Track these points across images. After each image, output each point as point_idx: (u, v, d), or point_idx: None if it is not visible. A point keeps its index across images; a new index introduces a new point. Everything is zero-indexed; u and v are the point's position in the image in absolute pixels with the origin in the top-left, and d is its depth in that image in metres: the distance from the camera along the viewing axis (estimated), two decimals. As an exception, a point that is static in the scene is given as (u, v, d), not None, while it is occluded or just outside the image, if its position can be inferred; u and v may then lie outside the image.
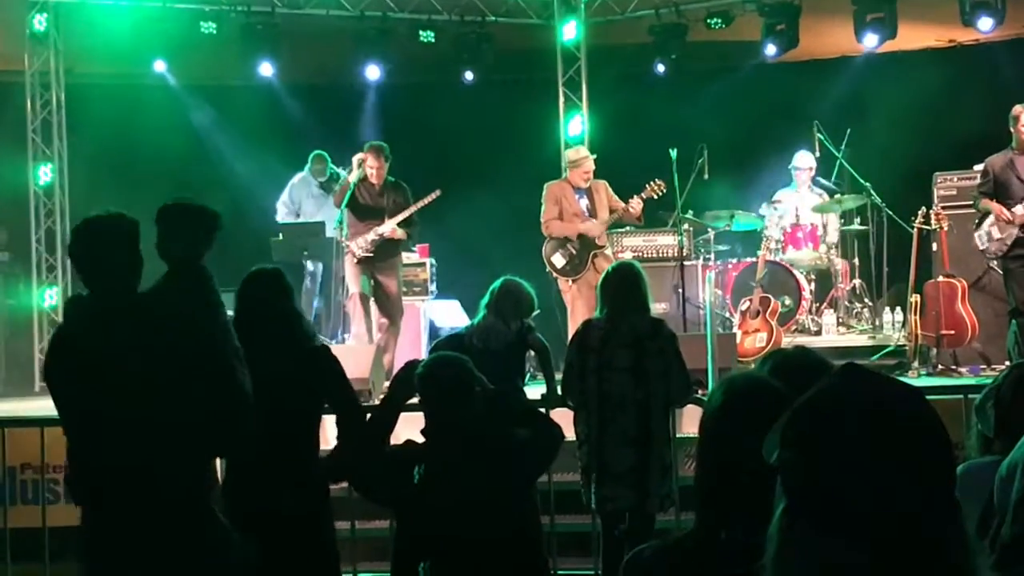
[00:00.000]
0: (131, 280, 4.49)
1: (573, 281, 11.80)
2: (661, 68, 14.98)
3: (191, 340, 4.40)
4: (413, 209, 11.51)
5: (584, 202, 11.92)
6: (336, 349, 10.96)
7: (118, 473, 4.33)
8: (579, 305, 11.47)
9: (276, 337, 5.69)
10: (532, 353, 8.82)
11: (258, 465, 5.42)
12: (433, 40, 14.77)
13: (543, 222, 11.90)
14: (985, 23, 13.31)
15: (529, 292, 8.21)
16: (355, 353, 10.77)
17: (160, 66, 14.35)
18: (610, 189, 12.04)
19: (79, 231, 4.57)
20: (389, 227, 11.46)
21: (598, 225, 11.82)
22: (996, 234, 11.09)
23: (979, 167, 12.34)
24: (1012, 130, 11.02)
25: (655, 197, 12.03)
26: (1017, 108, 11.04)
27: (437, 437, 5.10)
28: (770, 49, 14.37)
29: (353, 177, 11.50)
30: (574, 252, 11.86)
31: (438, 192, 11.56)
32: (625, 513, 7.09)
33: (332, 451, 5.88)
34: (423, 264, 13.19)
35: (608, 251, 12.22)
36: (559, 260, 11.94)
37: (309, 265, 13.56)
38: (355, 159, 11.59)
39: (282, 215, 14.14)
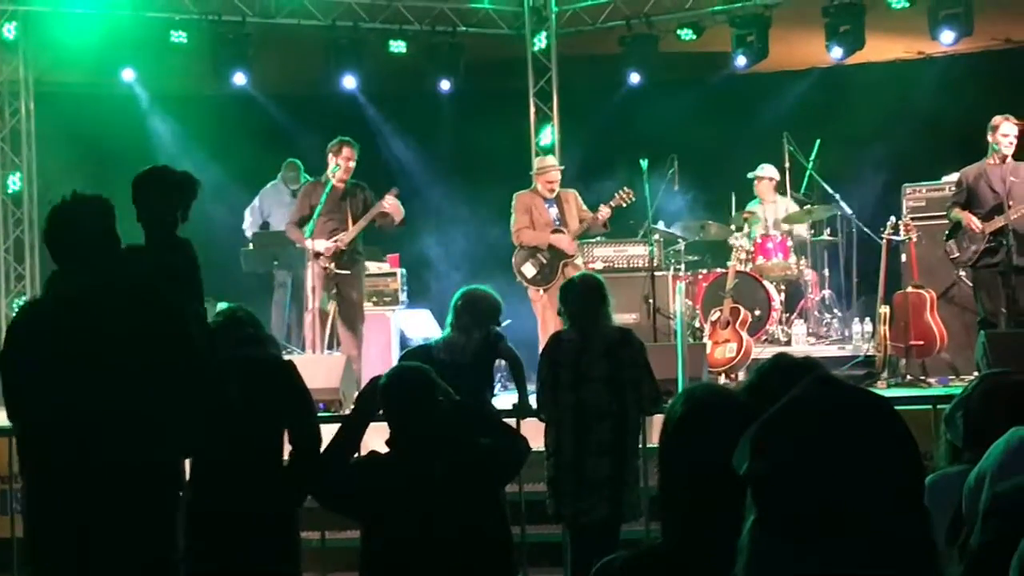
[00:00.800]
0: (107, 262, 4.46)
1: (544, 290, 11.81)
2: (636, 78, 14.99)
3: (166, 326, 4.37)
4: (379, 208, 11.37)
5: (554, 211, 11.95)
6: (307, 359, 11.02)
7: (74, 461, 4.27)
8: (549, 315, 11.46)
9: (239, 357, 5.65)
10: (503, 363, 8.75)
11: (223, 470, 5.40)
12: (404, 50, 14.76)
13: (514, 231, 11.93)
14: (947, 36, 13.38)
15: (492, 298, 8.04)
16: (326, 364, 10.74)
17: (128, 75, 14.28)
18: (579, 199, 12.10)
19: (53, 214, 4.54)
20: (350, 235, 11.36)
21: (567, 238, 11.87)
22: (966, 243, 11.17)
23: (948, 178, 12.44)
24: (989, 139, 11.09)
25: (623, 205, 12.05)
26: (997, 118, 11.12)
27: (401, 447, 5.10)
28: (740, 60, 14.40)
29: (331, 176, 11.40)
30: (544, 262, 11.89)
31: (395, 191, 11.45)
32: (600, 523, 7.11)
33: (289, 466, 5.84)
34: (394, 274, 13.15)
35: (579, 261, 12.26)
36: (529, 270, 11.96)
37: (279, 275, 13.52)
38: (332, 157, 11.48)
39: (247, 223, 14.09)
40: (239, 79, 14.28)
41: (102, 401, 4.25)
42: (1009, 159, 11.11)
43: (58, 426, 4.32)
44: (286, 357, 11.57)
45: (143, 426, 4.28)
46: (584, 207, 12.05)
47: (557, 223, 11.92)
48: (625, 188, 12.03)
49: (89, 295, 4.39)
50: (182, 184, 4.92)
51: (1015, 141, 11.06)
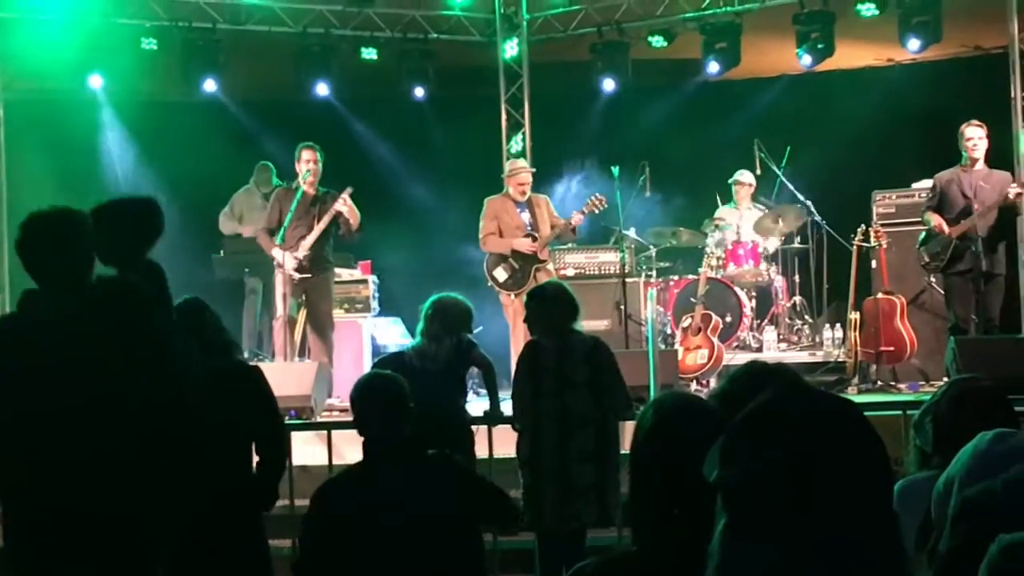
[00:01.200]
0: (81, 275, 4.39)
1: (515, 295, 11.80)
2: (607, 85, 15.01)
3: (145, 342, 4.32)
4: (334, 212, 11.34)
5: (526, 216, 11.97)
6: (278, 366, 10.99)
7: (57, 486, 4.22)
8: (520, 320, 11.49)
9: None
10: (476, 369, 8.72)
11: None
12: (375, 57, 14.76)
13: (480, 238, 11.98)
14: (913, 44, 13.45)
15: (463, 304, 7.99)
16: (297, 371, 10.72)
17: (96, 81, 14.21)
18: (551, 205, 12.12)
19: (26, 226, 4.44)
20: (310, 241, 11.35)
21: (527, 241, 11.89)
22: (936, 248, 11.23)
23: (918, 185, 12.53)
24: (960, 147, 11.18)
25: (596, 212, 12.07)
26: (962, 126, 11.19)
27: (373, 456, 5.10)
28: (712, 67, 14.44)
29: (301, 183, 11.40)
30: (516, 267, 11.90)
31: (349, 190, 11.41)
32: (586, 528, 7.14)
33: (256, 475, 5.83)
34: (365, 281, 13.13)
35: (551, 266, 12.27)
36: (501, 274, 11.97)
37: (250, 282, 13.48)
38: (296, 163, 11.49)
39: (221, 223, 14.05)
40: (209, 85, 14.25)
41: (80, 435, 4.18)
42: (981, 163, 11.19)
43: (35, 462, 4.24)
44: (255, 364, 11.61)
45: (122, 465, 4.21)
46: (555, 213, 12.08)
47: (529, 227, 11.93)
48: (598, 195, 12.06)
49: (74, 319, 4.32)
50: (139, 218, 4.80)
51: (978, 144, 11.13)
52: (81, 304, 4.34)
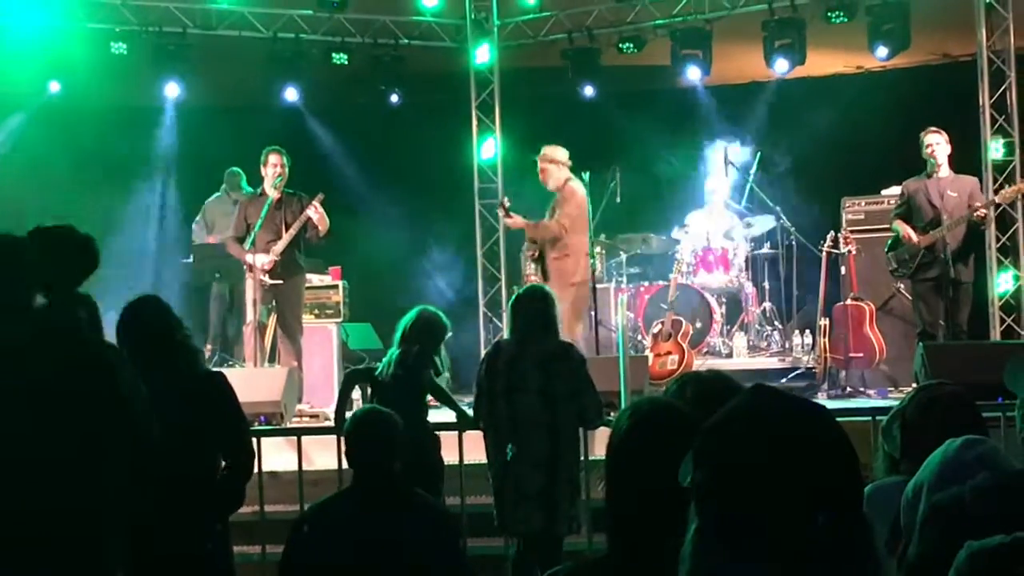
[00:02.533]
0: (26, 301, 4.31)
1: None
2: (578, 91, 15.03)
3: (90, 374, 4.26)
4: (305, 218, 11.33)
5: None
6: (248, 372, 10.97)
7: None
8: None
9: (162, 367, 5.59)
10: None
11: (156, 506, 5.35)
12: (346, 62, 14.74)
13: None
14: (882, 51, 13.52)
15: (442, 321, 8.05)
16: (267, 376, 10.69)
17: (54, 87, 14.11)
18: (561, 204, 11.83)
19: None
20: (282, 245, 11.33)
21: (513, 219, 11.96)
22: (905, 256, 11.28)
23: (887, 191, 12.59)
24: (923, 148, 11.23)
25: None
26: (923, 134, 11.25)
27: (360, 490, 5.15)
28: (685, 73, 14.47)
29: (269, 189, 11.39)
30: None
31: (321, 196, 11.40)
32: (535, 534, 7.12)
33: (221, 479, 5.82)
34: (336, 286, 13.09)
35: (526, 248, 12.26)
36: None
37: (216, 288, 13.41)
38: (263, 168, 11.48)
39: (194, 233, 14.01)
40: (171, 90, 14.19)
41: (37, 452, 4.15)
42: (947, 169, 11.23)
43: None
44: (226, 369, 11.59)
45: (70, 474, 4.17)
46: (559, 213, 11.83)
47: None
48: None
49: (32, 345, 4.27)
50: (83, 249, 4.74)
51: (938, 149, 11.17)
52: (28, 328, 4.27)
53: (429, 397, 8.17)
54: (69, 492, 4.18)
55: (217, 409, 5.70)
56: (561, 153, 11.82)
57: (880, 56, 13.68)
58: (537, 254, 11.77)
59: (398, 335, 7.97)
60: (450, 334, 8.35)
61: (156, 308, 5.83)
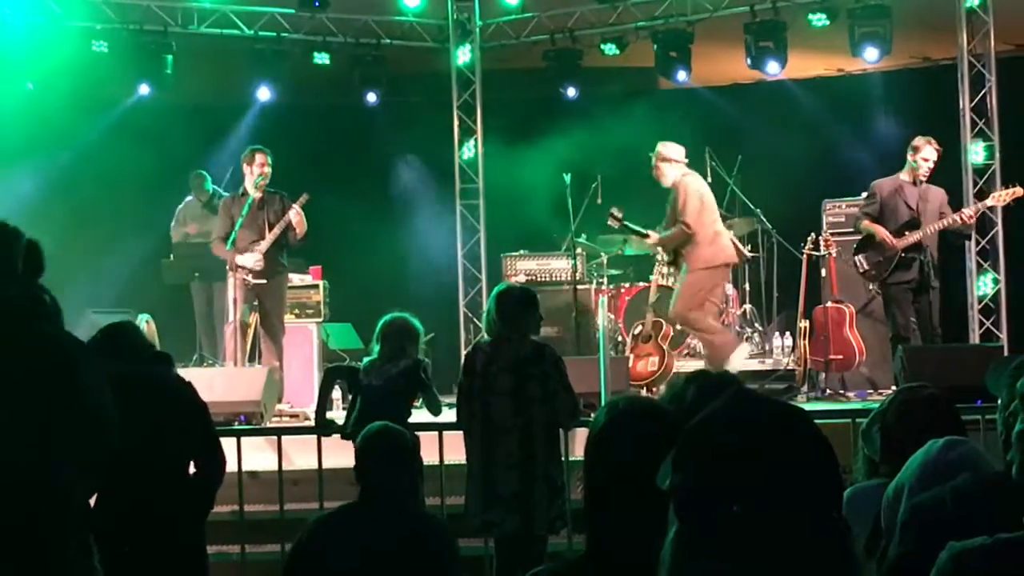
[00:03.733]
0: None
1: None
2: (560, 92, 15.05)
3: (52, 364, 4.25)
4: (287, 220, 11.32)
5: None
6: (228, 371, 10.95)
7: None
8: None
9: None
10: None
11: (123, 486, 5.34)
12: (328, 62, 14.72)
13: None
14: (871, 53, 13.54)
15: (412, 324, 7.98)
16: (247, 376, 10.66)
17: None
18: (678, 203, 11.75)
19: None
20: (266, 245, 11.32)
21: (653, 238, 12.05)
22: (876, 258, 11.27)
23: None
24: (909, 158, 11.19)
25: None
26: (919, 140, 11.21)
27: (367, 505, 5.14)
28: (667, 75, 14.48)
29: (251, 189, 11.38)
30: None
31: (306, 196, 11.40)
32: (511, 536, 7.11)
33: (191, 480, 5.83)
34: (316, 286, 13.08)
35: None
36: None
37: (197, 287, 13.38)
38: (247, 167, 11.46)
39: (173, 231, 13.98)
40: (143, 89, 14.15)
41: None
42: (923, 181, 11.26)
43: None
44: (207, 369, 11.59)
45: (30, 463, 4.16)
46: (681, 214, 11.66)
47: None
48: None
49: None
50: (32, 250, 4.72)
51: (933, 167, 11.18)
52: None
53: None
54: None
55: (186, 415, 5.74)
56: (674, 150, 11.82)
57: (869, 59, 13.67)
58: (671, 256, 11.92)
59: (376, 340, 7.95)
60: (425, 338, 8.31)
61: (126, 327, 5.90)
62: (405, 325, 7.96)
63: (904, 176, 11.26)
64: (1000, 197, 11.32)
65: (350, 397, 8.24)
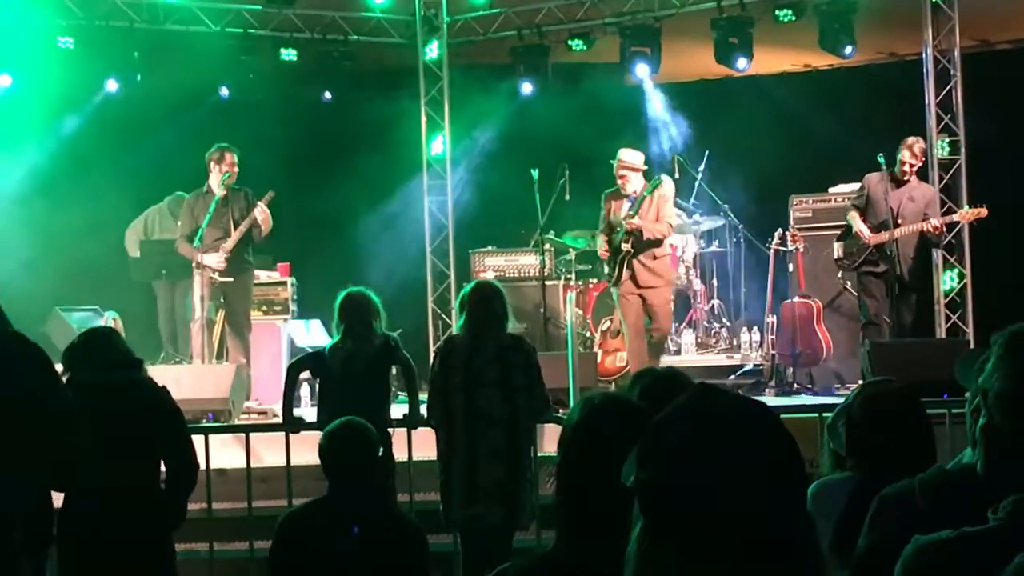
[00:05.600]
0: None
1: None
2: (527, 88, 15.04)
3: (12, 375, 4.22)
4: (253, 217, 11.30)
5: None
6: (195, 369, 10.92)
7: None
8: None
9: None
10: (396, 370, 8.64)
11: (96, 491, 5.32)
12: (295, 58, 14.69)
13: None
14: (838, 49, 13.59)
15: (371, 299, 7.93)
16: (215, 373, 10.64)
17: (5, 80, 13.93)
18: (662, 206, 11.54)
19: None
20: (232, 243, 11.29)
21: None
22: (852, 248, 11.33)
23: (835, 189, 12.67)
24: (898, 156, 11.23)
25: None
26: (911, 139, 11.27)
27: (336, 504, 5.13)
28: (634, 71, 14.49)
29: (216, 187, 11.36)
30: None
31: (271, 194, 11.36)
32: (495, 528, 7.12)
33: (164, 490, 5.82)
34: (284, 283, 13.04)
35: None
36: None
37: (163, 285, 13.29)
38: (215, 166, 11.43)
39: (127, 238, 13.88)
40: (111, 85, 14.09)
41: None
42: (914, 180, 11.29)
43: None
44: (174, 366, 11.54)
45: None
46: (662, 210, 11.41)
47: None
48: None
49: None
50: None
51: (914, 166, 11.21)
52: None
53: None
54: None
55: (159, 418, 5.73)
56: (638, 157, 11.68)
57: (847, 53, 13.65)
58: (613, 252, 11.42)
59: (339, 320, 7.88)
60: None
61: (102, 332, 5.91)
62: (365, 299, 7.89)
63: (891, 173, 11.27)
64: (966, 215, 11.34)
65: (318, 387, 8.20)
